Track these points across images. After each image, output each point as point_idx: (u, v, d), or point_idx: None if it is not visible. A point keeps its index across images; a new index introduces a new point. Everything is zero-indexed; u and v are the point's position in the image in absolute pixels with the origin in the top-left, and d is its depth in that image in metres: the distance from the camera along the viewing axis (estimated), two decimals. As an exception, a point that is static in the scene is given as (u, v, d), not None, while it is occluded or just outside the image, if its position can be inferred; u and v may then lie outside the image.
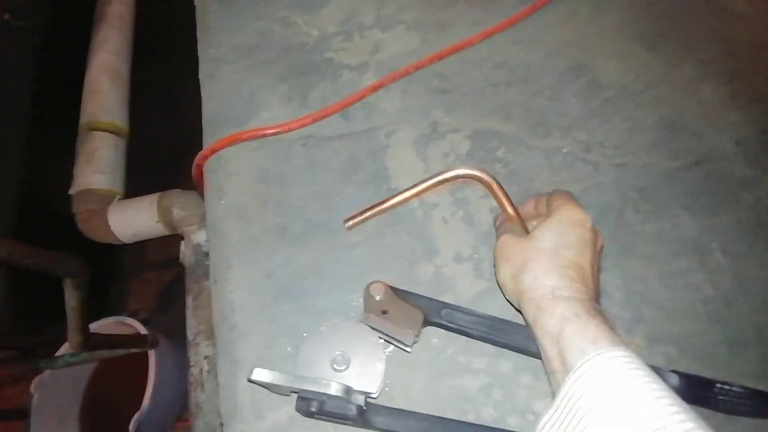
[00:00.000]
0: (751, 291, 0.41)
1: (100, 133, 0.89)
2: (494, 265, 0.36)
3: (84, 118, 0.86)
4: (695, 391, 0.34)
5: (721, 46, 0.54)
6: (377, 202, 0.44)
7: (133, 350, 0.82)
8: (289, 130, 0.48)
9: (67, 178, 0.82)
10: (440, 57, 0.52)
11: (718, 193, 0.45)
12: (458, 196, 0.45)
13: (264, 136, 0.48)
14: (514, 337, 0.36)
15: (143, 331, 0.93)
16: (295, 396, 0.35)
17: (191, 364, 0.74)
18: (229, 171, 0.49)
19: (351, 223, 0.44)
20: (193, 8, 0.62)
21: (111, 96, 0.93)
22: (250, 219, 0.47)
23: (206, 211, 0.49)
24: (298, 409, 0.34)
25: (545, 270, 0.32)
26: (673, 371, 0.35)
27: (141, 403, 0.84)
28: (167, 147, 1.67)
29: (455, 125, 0.49)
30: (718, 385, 0.34)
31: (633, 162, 0.46)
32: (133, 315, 1.10)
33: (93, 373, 1.00)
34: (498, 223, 0.41)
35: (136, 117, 0.98)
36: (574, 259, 0.32)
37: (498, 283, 0.36)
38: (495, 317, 0.36)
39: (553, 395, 0.28)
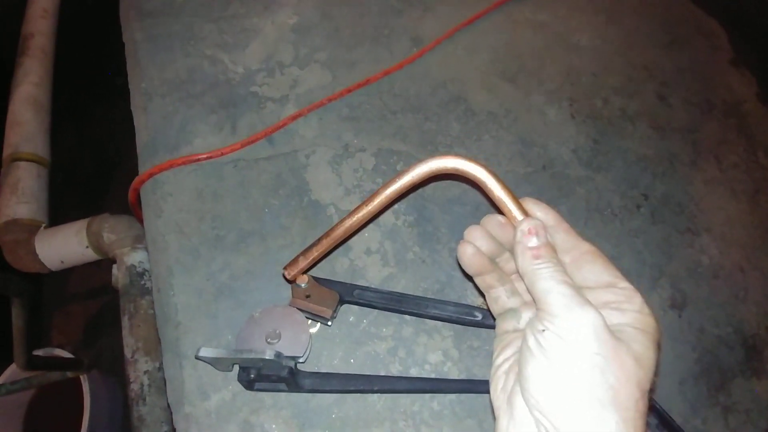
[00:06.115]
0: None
1: (23, 163, 0.89)
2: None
3: (7, 150, 0.86)
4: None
5: (565, 76, 0.70)
6: (318, 240, 0.41)
7: (69, 374, 0.82)
8: (222, 154, 0.56)
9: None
10: (349, 90, 0.63)
11: (559, 189, 0.60)
12: (367, 203, 0.55)
13: (199, 161, 0.55)
14: (411, 305, 0.46)
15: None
16: (236, 374, 0.43)
17: (131, 380, 0.76)
18: (167, 191, 0.56)
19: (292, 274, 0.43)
20: (111, 39, 0.68)
21: (33, 127, 0.93)
22: (188, 232, 0.53)
23: (146, 228, 0.55)
24: (239, 379, 0.41)
25: None
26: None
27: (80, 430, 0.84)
28: (85, 173, 1.63)
29: (363, 146, 0.60)
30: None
31: (498, 169, 0.59)
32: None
33: (27, 407, 0.96)
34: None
35: (54, 144, 0.98)
36: None
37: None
38: (396, 291, 0.47)
39: None
